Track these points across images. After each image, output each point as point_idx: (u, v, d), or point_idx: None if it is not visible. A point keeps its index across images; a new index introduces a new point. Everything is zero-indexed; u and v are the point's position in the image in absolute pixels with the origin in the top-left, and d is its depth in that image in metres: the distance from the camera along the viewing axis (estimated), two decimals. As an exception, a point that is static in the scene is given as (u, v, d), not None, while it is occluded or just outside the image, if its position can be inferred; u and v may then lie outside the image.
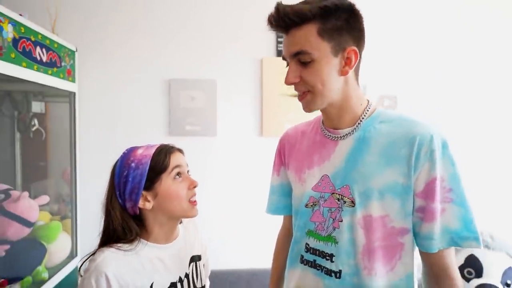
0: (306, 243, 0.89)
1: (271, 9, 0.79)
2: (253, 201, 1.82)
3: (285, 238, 1.08)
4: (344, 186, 0.83)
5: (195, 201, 0.94)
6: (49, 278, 1.56)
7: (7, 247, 1.31)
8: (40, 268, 1.53)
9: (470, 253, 1.56)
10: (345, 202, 0.83)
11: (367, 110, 0.85)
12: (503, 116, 2.10)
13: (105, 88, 1.92)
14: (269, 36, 1.96)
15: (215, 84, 1.95)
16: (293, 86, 0.83)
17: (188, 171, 0.97)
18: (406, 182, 0.78)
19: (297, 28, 0.78)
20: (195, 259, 1.02)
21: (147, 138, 1.92)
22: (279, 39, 1.96)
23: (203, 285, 1.03)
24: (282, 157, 1.02)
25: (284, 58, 0.84)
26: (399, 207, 0.79)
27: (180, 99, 1.95)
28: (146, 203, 0.89)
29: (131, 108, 1.94)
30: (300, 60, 0.79)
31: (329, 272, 0.84)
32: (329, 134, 0.88)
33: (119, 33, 1.91)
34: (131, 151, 0.93)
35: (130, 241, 0.89)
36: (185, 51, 1.95)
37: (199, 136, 1.96)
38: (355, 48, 0.79)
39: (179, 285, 0.94)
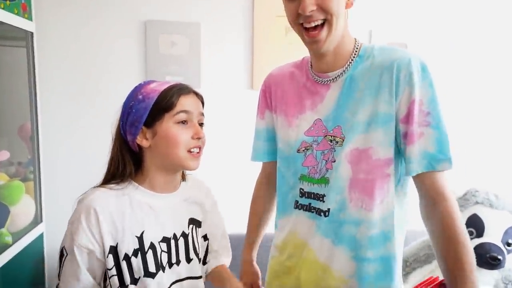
0: (300, 188, 0.98)
1: None
2: (242, 159, 1.87)
3: (264, 184, 1.20)
4: (336, 127, 0.93)
5: (196, 153, 0.97)
6: (13, 243, 1.60)
7: None
8: (3, 231, 1.56)
9: (473, 213, 1.69)
10: (337, 142, 0.92)
11: (356, 48, 0.95)
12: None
13: (69, 29, 1.90)
14: None
15: (199, 27, 1.97)
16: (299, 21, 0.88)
17: (201, 122, 0.99)
18: (388, 109, 0.88)
19: None
20: (195, 223, 1.07)
21: (120, 89, 1.92)
22: None
23: (199, 257, 1.07)
24: (268, 100, 1.09)
25: None
26: (382, 137, 0.89)
27: (158, 44, 1.96)
28: (143, 140, 0.94)
29: (101, 54, 1.94)
30: None
31: (319, 212, 0.95)
32: (320, 79, 0.97)
33: None
34: (144, 83, 0.97)
35: (121, 180, 0.96)
36: None
37: None
38: None
39: (173, 242, 0.99)
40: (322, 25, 0.88)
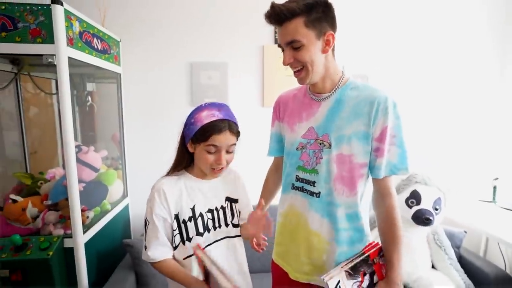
0: (296, 175, 1.00)
1: (268, 7, 0.87)
2: (257, 157, 1.95)
3: (274, 170, 1.20)
4: (324, 134, 0.93)
5: (218, 170, 0.96)
6: (111, 209, 1.74)
7: (83, 185, 1.49)
8: (105, 201, 1.72)
9: (414, 189, 1.71)
10: (324, 145, 0.93)
11: (342, 79, 0.95)
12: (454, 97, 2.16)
13: (142, 70, 1.98)
14: (269, 28, 2.01)
15: (226, 65, 2.02)
16: (288, 66, 0.91)
17: (231, 149, 0.95)
18: (367, 130, 0.89)
19: (288, 21, 0.84)
20: (230, 200, 1.05)
21: (175, 109, 2.08)
22: (276, 31, 2.02)
23: (237, 223, 1.05)
24: (277, 113, 1.10)
25: (279, 46, 0.91)
26: (361, 148, 0.90)
27: (200, 78, 2.02)
28: (190, 148, 0.97)
29: (163, 85, 2.01)
30: (293, 46, 0.86)
31: (311, 194, 0.96)
32: (314, 97, 0.97)
33: (153, 26, 1.97)
34: (200, 109, 0.95)
35: (180, 169, 1.01)
36: (203, 39, 2.01)
37: None
38: (331, 32, 0.88)
39: (215, 212, 1.01)
40: (302, 68, 0.89)
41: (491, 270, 1.63)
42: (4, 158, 1.89)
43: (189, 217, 0.97)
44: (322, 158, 0.93)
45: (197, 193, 0.99)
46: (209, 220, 0.99)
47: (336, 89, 0.94)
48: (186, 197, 0.97)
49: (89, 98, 1.96)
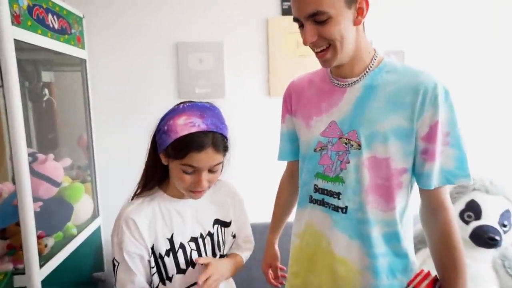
0: (315, 184, 0.97)
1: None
2: (264, 158, 1.93)
3: (288, 179, 1.19)
4: (351, 131, 0.90)
5: (197, 193, 0.93)
6: (77, 234, 1.71)
7: (40, 204, 1.45)
8: (70, 224, 1.69)
9: (471, 198, 1.67)
10: (352, 145, 0.90)
11: (374, 59, 0.91)
12: (505, 71, 2.15)
13: (114, 54, 1.98)
14: None
15: (222, 45, 2.00)
16: (303, 47, 0.88)
17: (215, 168, 0.91)
18: (409, 126, 0.86)
19: None
20: (220, 223, 1.04)
21: (158, 102, 2.04)
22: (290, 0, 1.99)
23: (226, 253, 1.05)
24: (288, 106, 1.09)
25: (296, 20, 0.86)
26: (401, 149, 0.87)
27: (188, 61, 2.00)
28: (164, 160, 0.92)
29: (141, 73, 2.00)
30: (316, 19, 0.82)
31: (336, 208, 0.94)
32: (338, 82, 0.94)
33: None
34: (176, 112, 0.90)
35: (151, 187, 0.97)
36: (191, 14, 1.99)
37: (208, 99, 2.04)
38: None
39: (200, 240, 0.99)
40: (328, 47, 0.86)
41: None
42: None
43: (167, 250, 0.95)
44: (348, 163, 0.91)
45: (176, 218, 0.97)
46: (193, 251, 0.98)
47: (367, 72, 0.91)
48: (161, 224, 0.95)
49: (46, 91, 1.92)
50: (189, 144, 0.86)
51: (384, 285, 0.92)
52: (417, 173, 0.90)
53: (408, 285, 0.89)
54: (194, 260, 0.97)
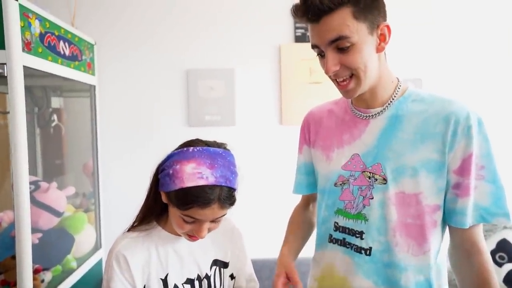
0: (335, 222, 0.92)
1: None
2: (275, 189, 1.89)
3: (302, 208, 1.12)
4: (376, 164, 0.86)
5: (195, 238, 0.90)
6: (77, 267, 1.66)
7: (39, 235, 1.41)
8: (69, 257, 1.64)
9: (502, 237, 1.59)
10: (376, 179, 0.86)
11: (398, 89, 0.89)
12: None
13: (123, 80, 2.00)
14: (287, 22, 2.01)
15: (233, 73, 2.01)
16: (317, 75, 0.86)
17: (218, 220, 0.88)
18: (440, 158, 0.82)
19: (329, 14, 0.78)
20: (219, 264, 1.01)
21: (167, 130, 2.02)
22: (297, 25, 2.01)
23: None
24: (306, 135, 1.05)
25: (314, 47, 0.85)
26: (433, 184, 0.83)
27: (198, 89, 2.01)
28: (164, 199, 0.90)
29: (151, 100, 2.02)
30: (338, 46, 0.80)
31: (359, 250, 0.88)
32: (360, 113, 0.92)
33: (136, 25, 1.99)
34: (184, 157, 0.85)
35: (149, 221, 0.93)
36: (203, 40, 2.02)
37: (218, 126, 2.03)
38: (386, 23, 0.83)
39: (197, 282, 0.95)
40: (351, 76, 0.84)
41: None
42: None
43: None
44: (372, 198, 0.87)
45: (172, 257, 0.94)
46: None
47: (391, 102, 0.89)
48: (156, 263, 0.92)
49: (55, 117, 1.94)
50: (194, 199, 0.82)
51: None
52: (448, 210, 0.84)
53: None
54: None
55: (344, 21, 0.78)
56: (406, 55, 2.03)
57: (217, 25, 2.02)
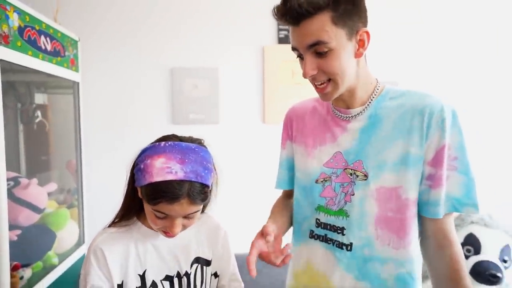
0: (317, 219, 0.92)
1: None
2: (257, 186, 1.87)
3: (284, 199, 1.08)
4: (357, 161, 0.86)
5: (170, 234, 0.86)
6: (59, 263, 1.61)
7: (18, 232, 1.36)
8: (50, 253, 1.59)
9: (469, 232, 1.63)
10: (357, 176, 0.86)
11: (377, 89, 0.89)
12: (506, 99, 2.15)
13: (107, 77, 1.95)
14: (270, 24, 2.00)
15: (217, 72, 1.99)
16: (298, 75, 0.84)
17: (191, 216, 0.86)
18: (418, 152, 0.82)
19: (309, 18, 0.77)
20: (201, 262, 0.98)
21: (152, 128, 1.98)
22: (280, 27, 2.00)
23: None
24: (289, 131, 1.04)
25: (294, 49, 0.84)
26: (412, 177, 0.82)
27: (183, 87, 1.98)
28: (140, 194, 0.87)
29: (135, 98, 1.97)
30: (316, 50, 0.79)
31: (340, 245, 0.87)
32: (340, 114, 0.91)
33: (121, 22, 1.94)
34: (155, 151, 0.84)
35: (129, 217, 0.91)
36: (187, 39, 1.98)
37: (202, 125, 2.01)
38: (366, 29, 0.82)
39: (176, 280, 0.93)
40: (329, 80, 0.83)
41: None
42: None
43: (137, 287, 0.90)
44: (353, 195, 0.86)
45: (151, 253, 0.91)
46: None
47: (370, 102, 0.89)
48: (134, 259, 0.90)
49: (39, 113, 1.86)
50: (162, 194, 0.80)
51: None
52: (422, 201, 0.84)
53: None
54: None
55: (323, 26, 0.77)
56: (382, 58, 2.03)
57: (202, 24, 1.99)
